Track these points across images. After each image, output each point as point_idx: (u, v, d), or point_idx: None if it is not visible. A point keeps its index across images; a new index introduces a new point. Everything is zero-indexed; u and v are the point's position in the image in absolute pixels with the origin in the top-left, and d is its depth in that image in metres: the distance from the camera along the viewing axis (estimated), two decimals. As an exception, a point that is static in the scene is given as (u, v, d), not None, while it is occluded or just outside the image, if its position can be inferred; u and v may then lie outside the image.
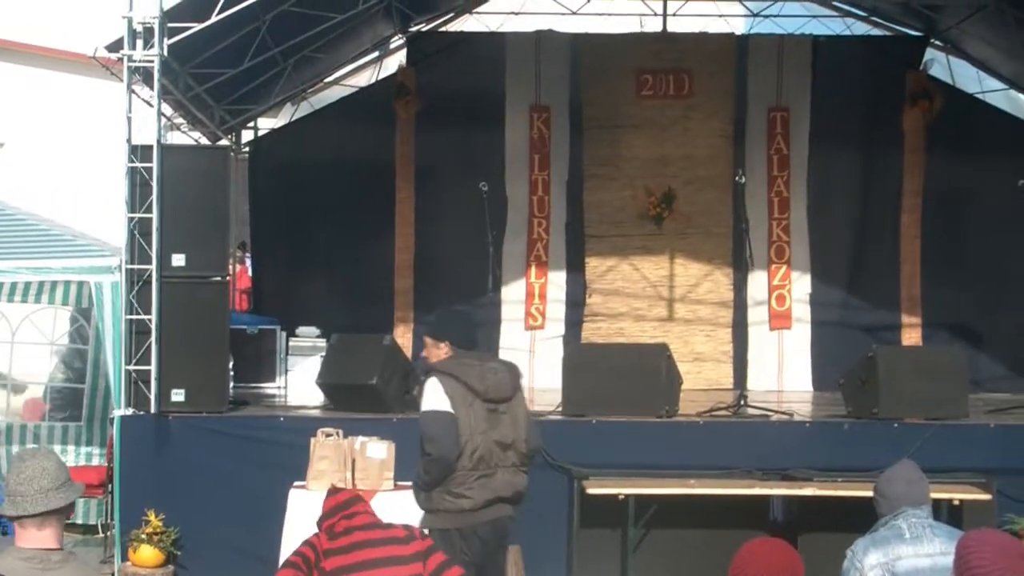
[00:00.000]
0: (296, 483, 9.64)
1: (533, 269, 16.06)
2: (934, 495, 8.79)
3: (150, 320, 10.60)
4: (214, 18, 10.95)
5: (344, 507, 6.16)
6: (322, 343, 13.49)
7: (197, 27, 10.92)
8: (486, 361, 7.63)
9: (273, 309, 15.41)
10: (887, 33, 16.98)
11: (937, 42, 16.46)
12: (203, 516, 10.45)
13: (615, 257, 15.88)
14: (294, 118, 16.85)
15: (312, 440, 9.63)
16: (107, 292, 10.95)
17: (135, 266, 10.67)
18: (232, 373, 12.64)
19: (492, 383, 7.40)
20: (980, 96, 16.50)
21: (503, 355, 15.63)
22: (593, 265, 15.90)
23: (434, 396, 7.30)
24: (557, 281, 15.98)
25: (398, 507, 8.06)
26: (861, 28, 17.15)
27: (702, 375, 15.47)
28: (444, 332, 7.73)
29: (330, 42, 14.53)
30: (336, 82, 16.95)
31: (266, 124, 17.00)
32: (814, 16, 17.15)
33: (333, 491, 6.41)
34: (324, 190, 15.91)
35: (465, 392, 7.30)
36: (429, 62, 16.20)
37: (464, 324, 15.14)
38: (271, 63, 13.88)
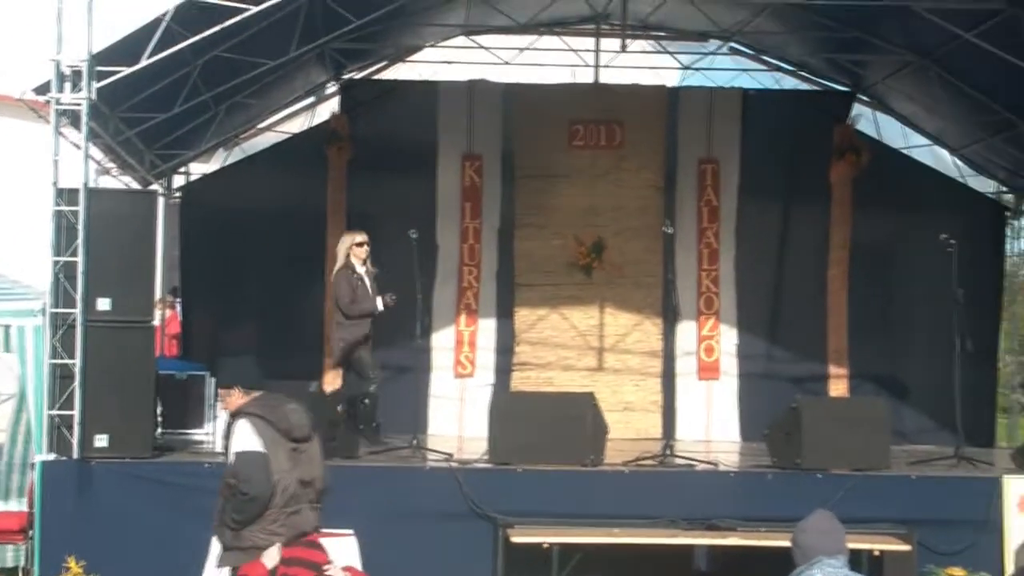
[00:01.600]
0: (219, 530, 9.59)
1: (463, 317, 16.09)
2: (856, 545, 8.90)
3: (74, 365, 10.53)
4: (144, 62, 10.93)
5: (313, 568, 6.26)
6: (251, 390, 13.42)
7: (126, 71, 10.90)
8: (285, 403, 7.89)
9: (203, 355, 15.31)
10: (815, 88, 17.20)
11: (864, 97, 16.70)
12: (124, 562, 10.35)
13: (545, 307, 15.93)
14: (226, 164, 16.83)
15: (236, 487, 9.59)
16: (29, 336, 10.86)
17: (59, 310, 10.61)
18: (160, 419, 12.58)
19: (296, 422, 7.75)
20: (905, 151, 16.76)
21: (433, 403, 15.71)
22: (523, 314, 15.94)
23: (246, 437, 7.60)
24: (487, 329, 16.01)
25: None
26: (790, 82, 17.38)
27: (631, 425, 15.50)
28: (230, 379, 8.20)
29: (262, 88, 14.52)
30: (269, 128, 16.94)
31: (199, 169, 16.96)
32: (744, 70, 17.37)
33: (313, 544, 6.52)
34: (255, 236, 15.86)
35: (274, 432, 7.61)
36: (362, 109, 16.22)
37: (392, 370, 15.21)
38: (203, 108, 13.85)
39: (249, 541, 7.52)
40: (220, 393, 8.15)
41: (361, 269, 12.83)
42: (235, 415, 7.74)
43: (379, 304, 12.84)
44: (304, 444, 7.78)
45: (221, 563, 7.72)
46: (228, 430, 7.77)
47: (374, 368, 13.00)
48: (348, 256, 12.86)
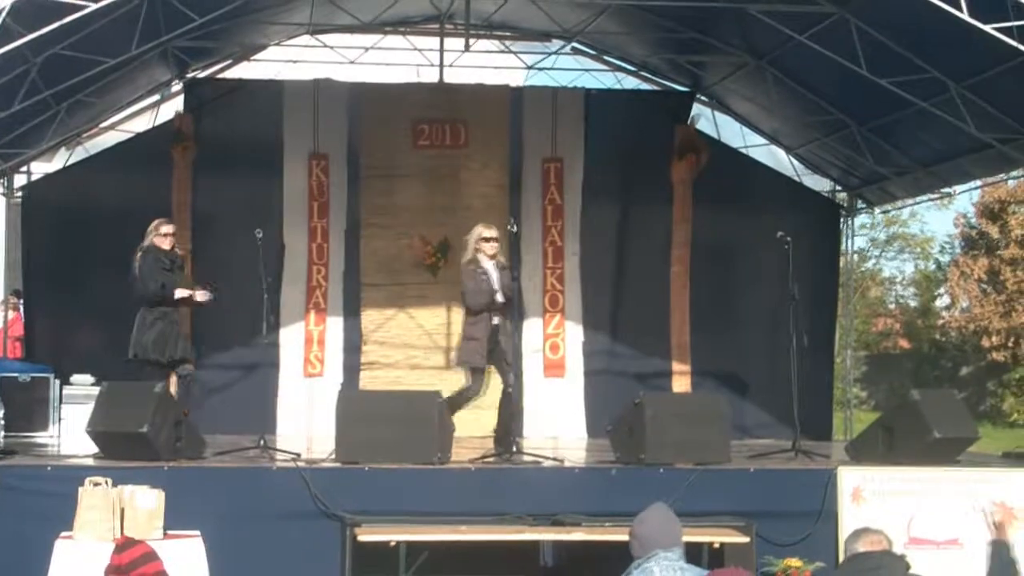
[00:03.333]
0: (63, 533, 9.51)
1: (313, 316, 16.09)
2: (696, 538, 9.11)
3: (-88, 368, 10.36)
4: (-21, 60, 10.78)
5: (140, 564, 6.24)
6: (97, 391, 13.31)
7: (-38, 70, 10.74)
8: None
9: (47, 357, 15.11)
10: (656, 88, 17.50)
11: (703, 97, 17.04)
12: (-36, 568, 10.19)
13: (392, 306, 16.01)
14: (69, 163, 16.60)
15: (80, 489, 9.52)
16: None
17: None
18: (2, 422, 12.40)
19: None
20: (744, 150, 17.13)
21: (281, 402, 15.70)
22: (370, 314, 15.99)
23: None
24: (335, 328, 16.01)
25: (167, 556, 8.02)
26: (632, 82, 17.65)
27: (479, 422, 15.48)
28: None
29: (105, 86, 14.34)
30: (112, 127, 16.75)
31: (40, 168, 16.69)
32: (587, 70, 17.62)
33: (129, 543, 6.47)
34: (99, 236, 15.68)
35: None
36: (207, 108, 16.13)
37: (240, 369, 15.16)
38: (43, 106, 13.62)
39: None
40: None
41: (488, 263, 12.42)
42: None
43: (499, 297, 12.31)
44: None
45: None
46: None
47: (509, 367, 12.58)
48: (475, 250, 12.48)
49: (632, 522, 6.43)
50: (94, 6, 10.98)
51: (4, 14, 10.67)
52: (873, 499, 10.92)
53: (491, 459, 11.53)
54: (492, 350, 12.39)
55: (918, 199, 17.92)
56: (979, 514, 10.71)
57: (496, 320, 12.40)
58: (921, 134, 14.68)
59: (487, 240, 12.46)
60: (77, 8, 10.89)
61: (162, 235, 12.71)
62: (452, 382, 15.35)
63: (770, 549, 10.60)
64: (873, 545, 6.95)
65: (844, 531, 10.55)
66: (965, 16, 10.87)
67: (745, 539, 10.45)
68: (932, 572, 7.16)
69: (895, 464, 11.22)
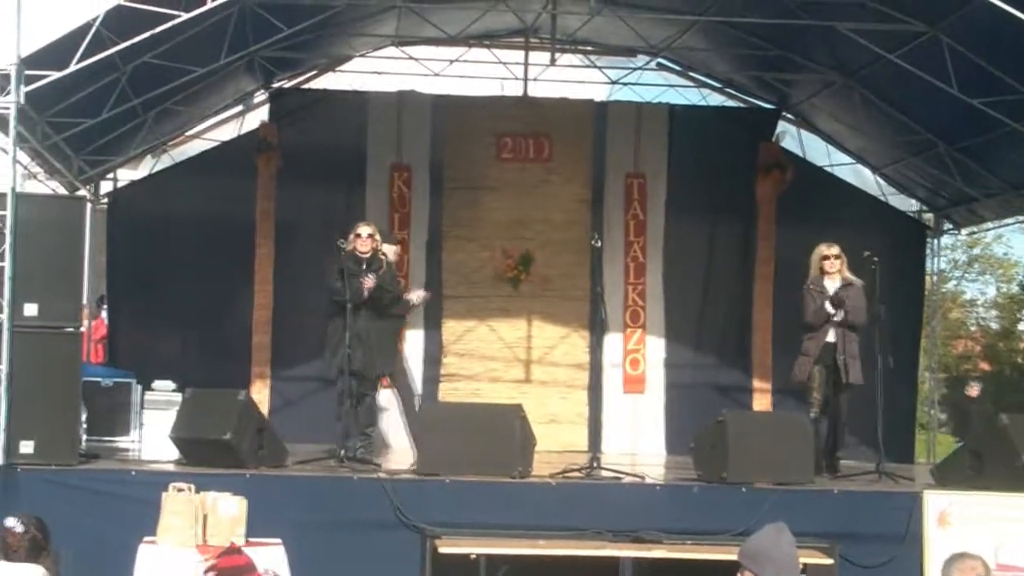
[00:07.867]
0: (146, 538, 9.55)
1: (392, 328, 16.08)
2: (779, 558, 8.96)
3: (0, 370, 10.43)
4: (73, 67, 10.85)
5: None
6: (178, 397, 13.39)
7: (55, 75, 10.82)
8: None
9: (129, 362, 15.23)
10: (741, 105, 17.40)
11: (789, 115, 16.93)
12: (50, 571, 10.24)
13: (472, 319, 16.00)
14: (154, 170, 16.74)
15: (163, 495, 9.57)
16: (-45, 341, 10.75)
17: (-14, 315, 10.51)
18: (85, 426, 12.49)
19: None
20: (829, 169, 16.98)
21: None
22: (450, 326, 15.99)
23: None
24: (415, 340, 15.99)
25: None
26: (716, 99, 17.57)
27: (558, 437, 15.55)
28: None
29: (192, 95, 14.49)
30: (197, 136, 16.88)
31: (126, 176, 16.85)
32: (671, 86, 17.57)
33: (233, 551, 6.51)
34: (183, 243, 15.81)
35: None
36: (292, 118, 16.19)
37: (319, 381, 15.16)
38: (131, 114, 13.78)
39: None
40: None
41: (828, 282, 12.45)
42: None
43: (829, 310, 12.29)
44: None
45: None
46: None
47: (818, 391, 12.48)
48: (818, 269, 12.51)
49: (757, 541, 6.02)
50: (185, 16, 11.07)
51: (98, 23, 10.78)
52: (959, 524, 10.77)
53: (572, 474, 11.47)
54: (828, 366, 12.40)
55: (1005, 221, 17.69)
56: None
57: (831, 337, 12.41)
58: (1012, 155, 14.49)
59: (826, 258, 12.50)
60: (168, 17, 10.99)
61: (354, 236, 12.21)
62: (531, 396, 15.42)
63: (854, 571, 10.53)
64: (970, 571, 6.78)
65: (929, 555, 10.45)
66: (1061, 36, 10.74)
67: (829, 561, 10.35)
68: (1021, 600, 7.00)
69: (982, 489, 11.05)
